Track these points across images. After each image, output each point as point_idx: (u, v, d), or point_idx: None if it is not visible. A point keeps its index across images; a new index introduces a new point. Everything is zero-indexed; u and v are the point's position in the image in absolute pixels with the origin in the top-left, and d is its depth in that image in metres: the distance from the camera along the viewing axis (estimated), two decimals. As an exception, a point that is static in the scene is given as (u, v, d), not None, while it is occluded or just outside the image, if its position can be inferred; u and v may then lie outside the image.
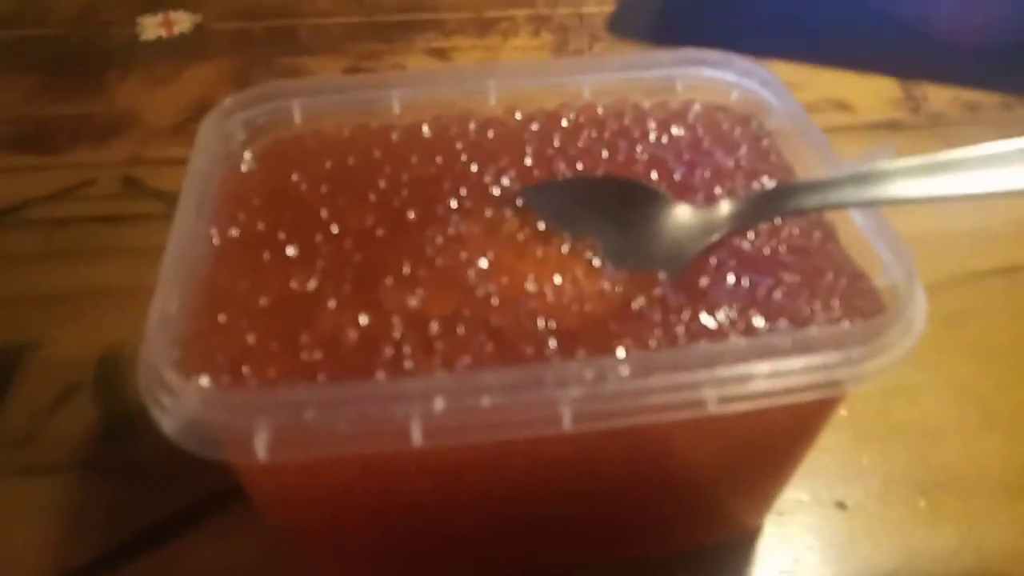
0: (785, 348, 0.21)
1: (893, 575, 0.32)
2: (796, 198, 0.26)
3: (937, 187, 0.24)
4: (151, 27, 0.64)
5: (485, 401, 0.20)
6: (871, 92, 0.57)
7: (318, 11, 0.66)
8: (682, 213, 0.27)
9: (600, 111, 0.32)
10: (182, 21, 0.65)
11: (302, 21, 0.65)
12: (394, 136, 0.31)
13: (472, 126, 0.32)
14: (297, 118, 0.32)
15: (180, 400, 0.20)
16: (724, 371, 0.21)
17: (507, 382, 0.20)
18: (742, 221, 0.26)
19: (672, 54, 0.33)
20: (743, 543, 0.33)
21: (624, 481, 0.26)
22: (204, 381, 0.20)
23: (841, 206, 0.25)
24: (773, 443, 0.26)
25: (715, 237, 0.26)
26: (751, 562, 0.32)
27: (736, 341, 0.22)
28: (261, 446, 0.19)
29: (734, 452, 0.26)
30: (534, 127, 0.32)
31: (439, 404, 0.20)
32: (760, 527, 0.33)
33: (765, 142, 0.31)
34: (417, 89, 0.32)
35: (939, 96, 0.57)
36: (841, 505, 0.34)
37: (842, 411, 0.37)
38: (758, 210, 0.26)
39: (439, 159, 0.30)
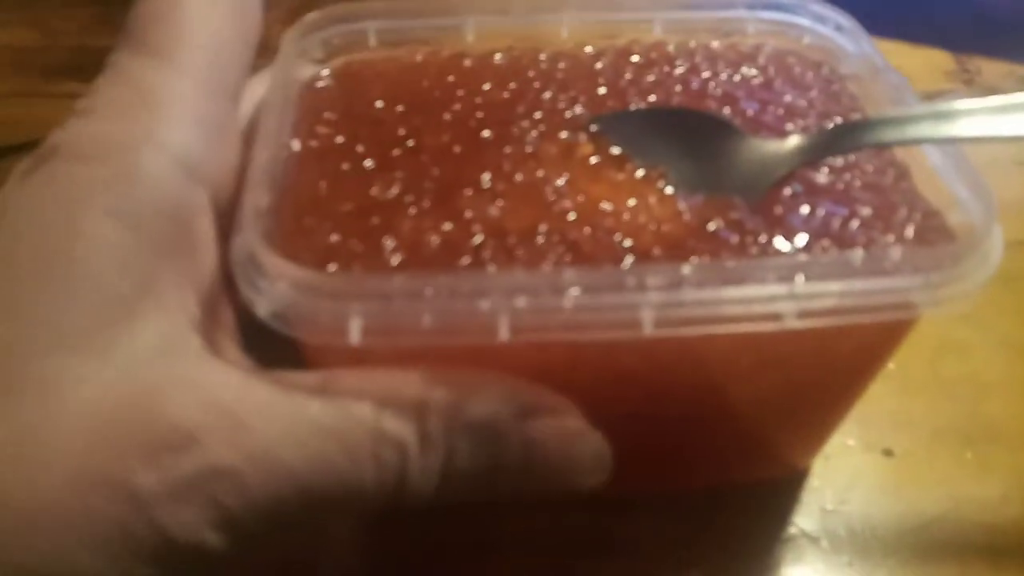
0: (862, 268, 0.21)
1: (940, 520, 0.32)
2: (872, 132, 0.26)
3: (1013, 126, 0.24)
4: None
5: (568, 300, 0.20)
6: (925, 64, 0.57)
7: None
8: (756, 146, 0.27)
9: (671, 49, 0.33)
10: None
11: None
12: (467, 62, 0.32)
13: (543, 57, 0.32)
14: (372, 41, 0.32)
15: (275, 284, 0.21)
16: (802, 286, 0.21)
17: (590, 283, 0.21)
18: (816, 154, 0.26)
19: (745, -5, 0.33)
20: (790, 482, 0.33)
21: (690, 404, 0.26)
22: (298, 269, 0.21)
23: (917, 141, 0.25)
24: (838, 371, 0.27)
25: (788, 169, 0.26)
26: (796, 499, 0.33)
27: (815, 257, 0.22)
28: (355, 331, 0.20)
29: (799, 377, 0.26)
30: (604, 61, 0.32)
31: (522, 301, 0.20)
32: (808, 469, 0.34)
33: (836, 86, 0.31)
34: (490, 18, 0.33)
35: (993, 70, 0.56)
36: (888, 452, 0.35)
37: (891, 364, 0.37)
38: (832, 143, 0.26)
39: (512, 85, 0.30)
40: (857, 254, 0.22)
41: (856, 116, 0.29)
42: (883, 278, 0.22)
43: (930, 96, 0.54)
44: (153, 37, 0.23)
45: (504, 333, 0.20)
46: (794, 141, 0.27)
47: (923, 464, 0.34)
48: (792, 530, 0.32)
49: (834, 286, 0.21)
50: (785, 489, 0.33)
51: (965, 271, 0.22)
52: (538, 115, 0.29)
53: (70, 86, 0.53)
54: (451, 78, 0.31)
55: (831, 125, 0.28)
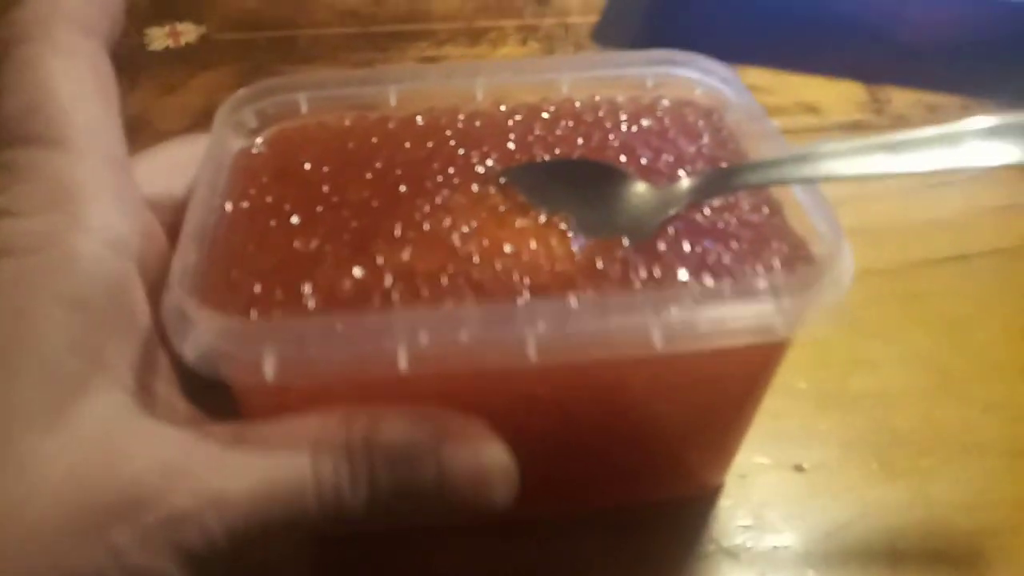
0: (726, 295, 0.24)
1: (848, 527, 0.35)
2: (743, 176, 0.29)
3: (865, 166, 0.27)
4: (158, 38, 0.68)
5: (463, 333, 0.23)
6: (838, 95, 0.61)
7: (316, 22, 0.70)
8: (644, 190, 0.30)
9: (577, 105, 0.36)
10: (188, 32, 0.68)
11: (301, 32, 0.69)
12: (390, 125, 0.35)
13: (461, 116, 0.35)
14: (303, 109, 0.35)
15: (200, 333, 0.23)
16: (670, 314, 0.24)
17: (482, 317, 0.23)
18: (696, 196, 0.29)
19: (643, 54, 0.37)
20: (704, 501, 0.36)
21: (594, 426, 0.29)
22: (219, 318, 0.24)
23: (782, 182, 0.29)
24: (724, 394, 0.29)
25: (673, 211, 0.29)
26: (712, 518, 0.35)
27: (682, 288, 0.25)
28: (269, 369, 0.23)
29: (688, 400, 0.29)
30: (517, 118, 0.35)
31: (423, 336, 0.23)
32: (722, 485, 0.36)
33: (724, 133, 0.35)
34: (412, 84, 0.36)
35: (902, 99, 0.61)
36: (799, 468, 0.37)
37: (802, 383, 0.40)
38: (710, 186, 0.29)
39: (430, 144, 0.33)
40: (721, 284, 0.25)
41: (736, 160, 0.33)
42: (743, 304, 0.24)
43: (843, 126, 0.58)
44: (37, 128, 0.24)
45: (404, 365, 0.23)
46: (679, 186, 0.30)
47: (833, 476, 0.37)
48: (710, 547, 0.34)
49: (700, 313, 0.24)
50: (701, 508, 0.35)
51: (817, 294, 0.25)
52: (452, 170, 0.32)
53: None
54: (375, 139, 0.34)
55: (709, 171, 0.31)
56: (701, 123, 0.35)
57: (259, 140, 0.34)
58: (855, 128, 0.57)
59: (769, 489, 0.36)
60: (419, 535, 0.33)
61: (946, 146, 0.27)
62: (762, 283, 0.25)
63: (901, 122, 0.58)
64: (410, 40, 0.68)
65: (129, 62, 0.64)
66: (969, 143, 0.27)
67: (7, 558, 0.20)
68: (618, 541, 0.34)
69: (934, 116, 0.59)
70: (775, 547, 0.34)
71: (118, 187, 0.25)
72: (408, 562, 0.34)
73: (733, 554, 0.34)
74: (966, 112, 0.58)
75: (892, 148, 0.27)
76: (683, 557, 0.34)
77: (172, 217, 0.28)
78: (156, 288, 0.25)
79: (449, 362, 0.23)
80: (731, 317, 0.24)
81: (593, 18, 0.71)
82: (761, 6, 0.68)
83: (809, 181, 0.28)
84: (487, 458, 0.25)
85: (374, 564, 0.33)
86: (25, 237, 0.23)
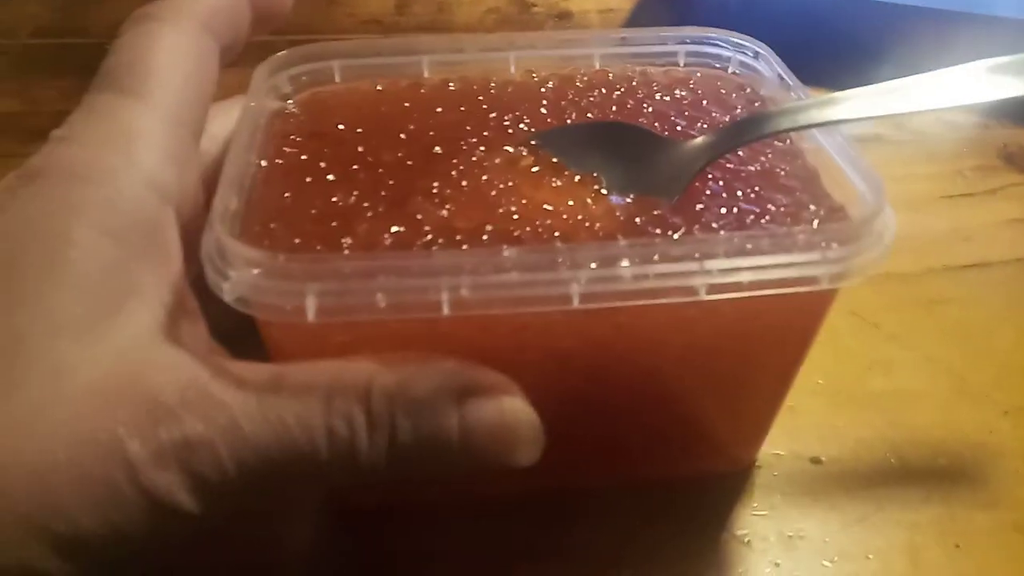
0: (768, 247, 0.24)
1: (864, 520, 0.34)
2: (767, 122, 0.29)
3: (888, 105, 0.28)
4: (182, 41, 0.68)
5: (507, 276, 0.23)
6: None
7: (338, 28, 0.71)
8: (672, 147, 0.30)
9: (610, 76, 0.36)
10: (210, 36, 0.69)
11: (322, 37, 0.69)
12: (422, 90, 0.35)
13: (493, 83, 0.35)
14: (337, 76, 0.35)
15: (239, 271, 0.23)
16: (713, 262, 0.24)
17: (526, 260, 0.23)
18: (724, 147, 0.29)
19: (675, 31, 0.37)
20: (721, 488, 0.35)
21: (629, 387, 0.29)
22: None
23: (807, 126, 0.29)
24: (763, 355, 0.29)
25: (704, 163, 0.29)
26: (727, 506, 0.35)
27: (723, 238, 0.25)
28: (311, 310, 0.23)
29: (727, 362, 0.29)
30: (549, 85, 0.35)
31: (466, 278, 0.23)
32: (753, 464, 0.36)
33: (758, 105, 0.35)
34: (445, 55, 0.36)
35: (922, 117, 0.60)
36: (816, 460, 0.37)
37: (819, 380, 0.40)
38: (737, 136, 0.29)
39: (463, 108, 0.33)
40: (762, 235, 0.24)
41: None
42: (786, 255, 0.24)
43: (862, 140, 0.58)
44: (126, 79, 0.27)
45: (446, 308, 0.23)
46: (704, 139, 0.30)
47: (849, 470, 0.36)
48: (723, 535, 0.34)
49: (742, 262, 0.24)
50: (716, 494, 0.35)
51: (860, 247, 0.25)
52: (485, 133, 0.32)
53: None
54: (407, 104, 0.34)
55: (732, 122, 0.31)
56: (735, 95, 0.35)
57: (292, 103, 0.34)
58: (875, 140, 0.57)
59: (785, 480, 0.36)
60: (422, 516, 0.33)
61: (957, 84, 0.28)
62: (804, 235, 0.25)
63: (921, 137, 0.59)
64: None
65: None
66: (978, 79, 0.28)
67: (23, 461, 0.20)
68: (632, 525, 0.33)
69: (953, 132, 0.59)
70: (789, 536, 0.34)
71: (175, 144, 0.26)
72: (416, 543, 0.33)
73: (746, 543, 0.33)
74: (986, 131, 0.59)
75: (908, 88, 0.28)
76: (696, 545, 0.33)
77: (207, 175, 0.29)
78: (188, 240, 0.26)
79: (492, 306, 0.23)
80: (774, 265, 0.24)
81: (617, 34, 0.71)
82: (778, 23, 0.67)
83: (833, 124, 0.28)
84: (511, 414, 0.25)
85: (374, 544, 0.33)
86: (78, 165, 0.24)
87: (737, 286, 0.24)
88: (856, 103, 0.28)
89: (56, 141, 0.25)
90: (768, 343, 0.29)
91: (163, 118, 0.26)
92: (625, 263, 0.24)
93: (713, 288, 0.24)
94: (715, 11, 0.68)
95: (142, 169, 0.25)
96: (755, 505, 0.35)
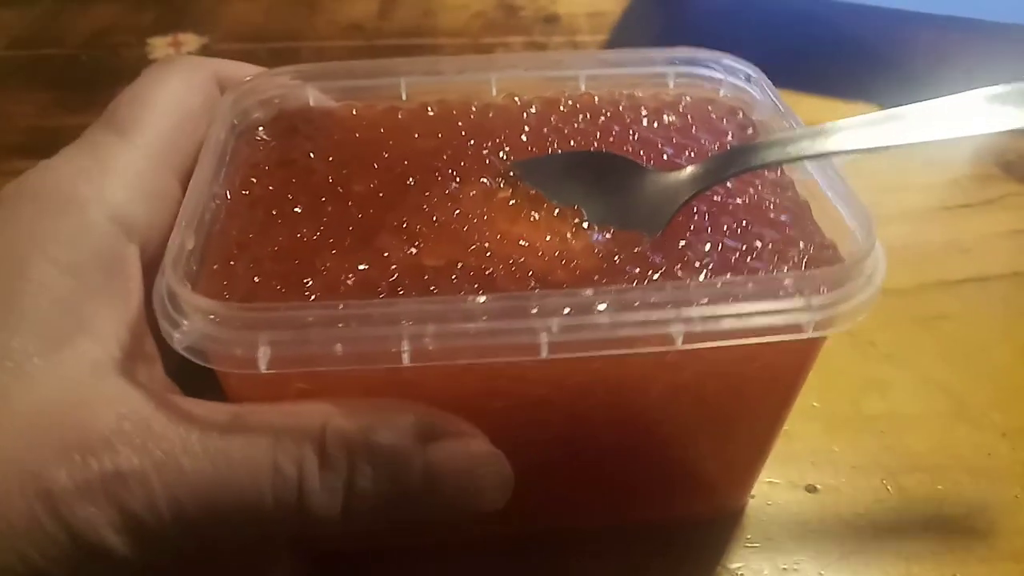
0: (751, 291, 0.23)
1: (861, 551, 0.33)
2: (756, 154, 0.28)
3: (883, 137, 0.27)
4: (160, 47, 0.67)
5: (472, 325, 0.22)
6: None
7: (320, 35, 0.69)
8: (656, 178, 0.29)
9: (596, 100, 0.35)
10: (190, 42, 0.68)
11: (304, 44, 0.68)
12: (399, 115, 0.33)
13: (474, 108, 0.34)
14: (310, 100, 0.34)
15: (191, 319, 0.22)
16: (692, 309, 0.22)
17: (492, 309, 0.22)
18: (710, 180, 0.28)
19: (665, 52, 0.36)
20: (713, 523, 0.34)
21: (609, 435, 0.27)
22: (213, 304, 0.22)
23: (798, 159, 0.27)
24: (747, 399, 0.28)
25: (689, 195, 0.27)
26: (721, 539, 0.33)
27: (704, 284, 0.23)
28: (263, 360, 0.21)
29: (711, 406, 0.27)
30: (532, 110, 0.34)
31: (429, 327, 0.22)
32: (744, 506, 0.34)
33: (750, 131, 0.33)
34: (423, 77, 0.35)
35: None
36: (811, 488, 0.35)
37: (815, 403, 0.38)
38: (723, 168, 0.28)
39: (440, 135, 0.32)
40: (744, 280, 0.23)
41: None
42: (771, 302, 0.23)
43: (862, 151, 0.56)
44: (121, 116, 0.28)
45: (407, 358, 0.21)
46: (690, 171, 0.29)
47: (845, 498, 0.35)
48: (717, 569, 0.32)
49: (723, 310, 0.23)
50: (709, 527, 0.34)
51: (849, 292, 0.23)
52: (462, 163, 0.31)
53: (19, 164, 0.54)
54: (382, 129, 0.33)
55: (720, 152, 0.30)
56: (726, 121, 0.34)
57: (262, 129, 0.32)
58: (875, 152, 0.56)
59: (780, 509, 0.34)
60: (414, 553, 0.32)
61: (954, 114, 0.27)
62: (789, 280, 0.23)
63: (921, 146, 0.57)
64: (414, 55, 0.66)
65: (129, 71, 0.64)
66: (975, 110, 0.27)
67: None
68: (621, 564, 0.32)
69: (953, 140, 0.57)
70: (784, 569, 0.32)
71: (152, 182, 0.27)
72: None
73: (740, 577, 0.32)
74: (984, 139, 0.57)
75: (903, 119, 0.27)
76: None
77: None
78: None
79: (456, 357, 0.22)
80: (756, 313, 0.23)
81: (602, 37, 0.69)
82: (771, 28, 0.66)
83: (824, 156, 0.27)
84: (478, 457, 0.23)
85: None
86: (48, 193, 0.25)
87: (717, 335, 0.22)
88: (849, 134, 0.27)
89: (36, 168, 0.26)
90: (755, 386, 0.27)
91: (144, 156, 0.27)
92: (599, 309, 0.22)
93: (691, 337, 0.22)
94: (705, 16, 0.67)
95: (109, 203, 0.25)
96: (749, 537, 0.33)
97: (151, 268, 0.26)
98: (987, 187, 0.53)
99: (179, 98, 0.29)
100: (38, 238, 0.24)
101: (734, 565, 0.32)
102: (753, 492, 0.35)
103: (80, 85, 0.62)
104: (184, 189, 0.28)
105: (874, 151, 0.27)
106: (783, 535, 0.33)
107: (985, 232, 0.49)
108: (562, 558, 0.32)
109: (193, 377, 0.25)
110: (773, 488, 0.35)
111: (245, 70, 0.33)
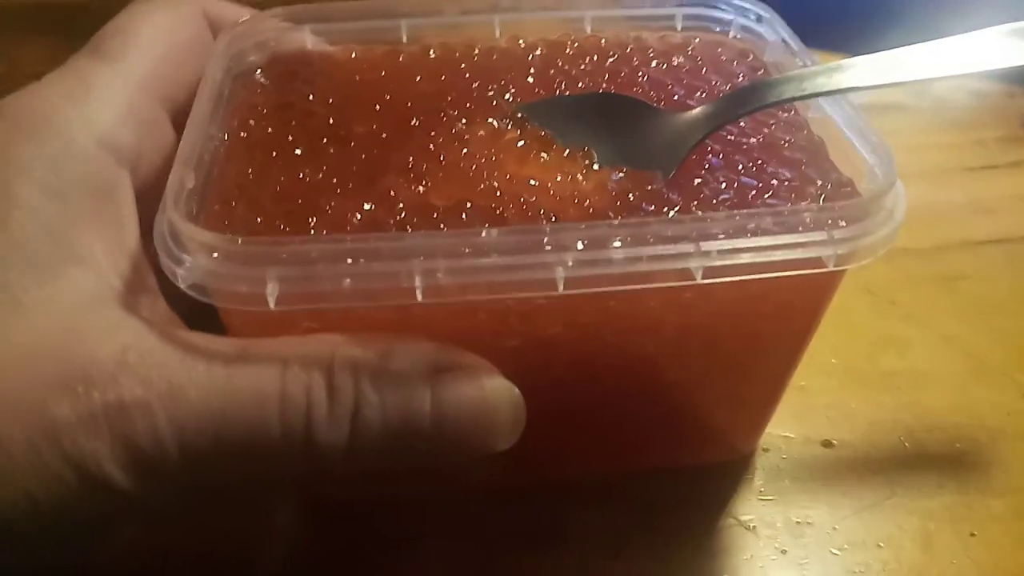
0: (769, 226, 0.22)
1: (875, 507, 0.33)
2: (771, 90, 0.27)
3: (900, 72, 0.26)
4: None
5: (485, 259, 0.21)
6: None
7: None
8: (669, 119, 0.28)
9: (603, 42, 0.34)
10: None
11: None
12: (400, 58, 0.32)
13: (477, 51, 0.33)
14: (308, 42, 0.33)
15: (194, 256, 0.21)
16: (711, 244, 0.22)
17: (507, 242, 0.21)
18: (723, 118, 0.27)
19: (673, -8, 0.35)
20: (726, 473, 0.34)
21: (620, 376, 0.27)
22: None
23: (814, 95, 0.27)
24: (761, 338, 0.27)
25: (701, 135, 0.27)
26: (733, 489, 0.33)
27: (723, 217, 0.23)
28: (272, 297, 0.20)
29: (724, 345, 0.27)
30: (537, 52, 0.33)
31: (441, 262, 0.21)
32: (753, 453, 0.34)
33: (761, 72, 0.32)
34: (425, 19, 0.34)
35: (943, 83, 0.57)
36: (827, 443, 0.35)
37: (832, 359, 0.38)
38: (737, 106, 0.27)
39: (444, 77, 0.31)
40: (764, 213, 0.22)
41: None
42: (790, 235, 0.22)
43: (877, 107, 0.55)
44: (107, 45, 0.27)
45: (419, 294, 0.21)
46: (703, 109, 0.28)
47: (861, 454, 0.35)
48: (728, 519, 0.32)
49: (742, 243, 0.22)
50: (721, 479, 0.33)
51: (870, 226, 0.23)
52: (468, 104, 0.30)
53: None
54: (383, 72, 0.32)
55: (733, 90, 0.29)
56: (736, 63, 0.33)
57: (260, 72, 0.31)
58: (892, 108, 0.55)
59: (795, 464, 0.34)
60: (415, 501, 0.31)
61: (971, 50, 0.26)
62: (809, 213, 0.23)
63: (941, 105, 0.56)
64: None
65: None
66: (992, 45, 0.26)
67: None
68: (636, 510, 0.32)
69: (976, 100, 0.56)
70: (797, 523, 0.32)
71: (139, 108, 0.26)
72: (399, 530, 0.31)
73: (751, 528, 0.32)
74: (1011, 99, 0.56)
75: (921, 56, 0.26)
76: (701, 529, 0.32)
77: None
78: (151, 212, 0.24)
79: (470, 293, 0.21)
80: (776, 246, 0.22)
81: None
82: None
83: (841, 92, 0.26)
84: (491, 390, 0.22)
85: (364, 526, 0.31)
86: (30, 116, 0.24)
87: (736, 269, 0.22)
88: (866, 70, 0.26)
89: (17, 93, 0.25)
90: (769, 326, 0.27)
91: (130, 82, 0.26)
92: (616, 244, 0.22)
93: (710, 271, 0.22)
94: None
95: (95, 125, 0.24)
96: (762, 490, 0.33)
97: (142, 199, 0.25)
98: (1012, 149, 0.52)
99: (165, 29, 0.28)
100: (23, 161, 0.23)
101: (746, 517, 0.32)
102: (768, 446, 0.34)
103: (88, 31, 0.60)
104: (172, 121, 0.27)
105: (891, 87, 0.26)
106: (796, 489, 0.33)
107: (1009, 193, 0.49)
108: (568, 506, 0.32)
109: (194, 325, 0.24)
110: (788, 443, 0.35)
111: (232, 9, 0.32)
